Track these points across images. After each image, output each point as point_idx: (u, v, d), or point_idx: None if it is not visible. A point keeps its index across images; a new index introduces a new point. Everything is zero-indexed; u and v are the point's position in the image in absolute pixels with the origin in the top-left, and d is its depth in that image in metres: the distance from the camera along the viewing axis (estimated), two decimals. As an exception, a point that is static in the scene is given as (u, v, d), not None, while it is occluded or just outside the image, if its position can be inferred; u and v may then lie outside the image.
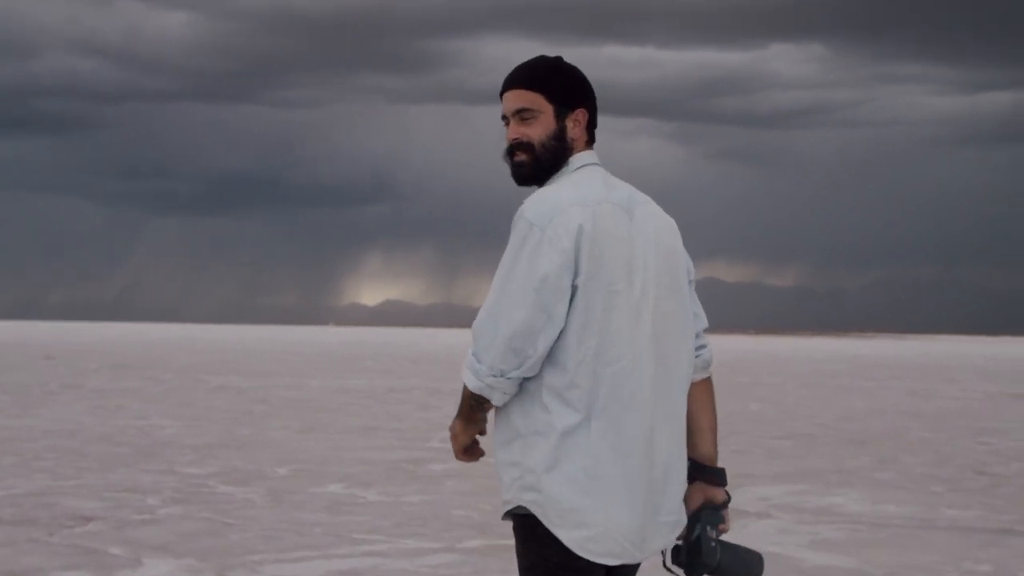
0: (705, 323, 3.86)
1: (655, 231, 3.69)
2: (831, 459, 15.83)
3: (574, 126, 3.73)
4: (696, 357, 3.80)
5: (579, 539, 3.56)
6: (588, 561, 3.57)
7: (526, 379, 3.61)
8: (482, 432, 3.80)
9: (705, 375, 3.86)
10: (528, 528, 3.62)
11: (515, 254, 3.56)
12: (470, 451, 3.79)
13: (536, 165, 3.72)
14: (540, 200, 3.60)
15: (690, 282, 3.82)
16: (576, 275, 3.54)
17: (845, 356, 72.18)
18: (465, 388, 3.67)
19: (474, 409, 3.69)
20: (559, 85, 3.73)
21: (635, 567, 3.77)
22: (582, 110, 3.75)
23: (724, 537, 3.81)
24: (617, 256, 3.59)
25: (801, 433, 19.38)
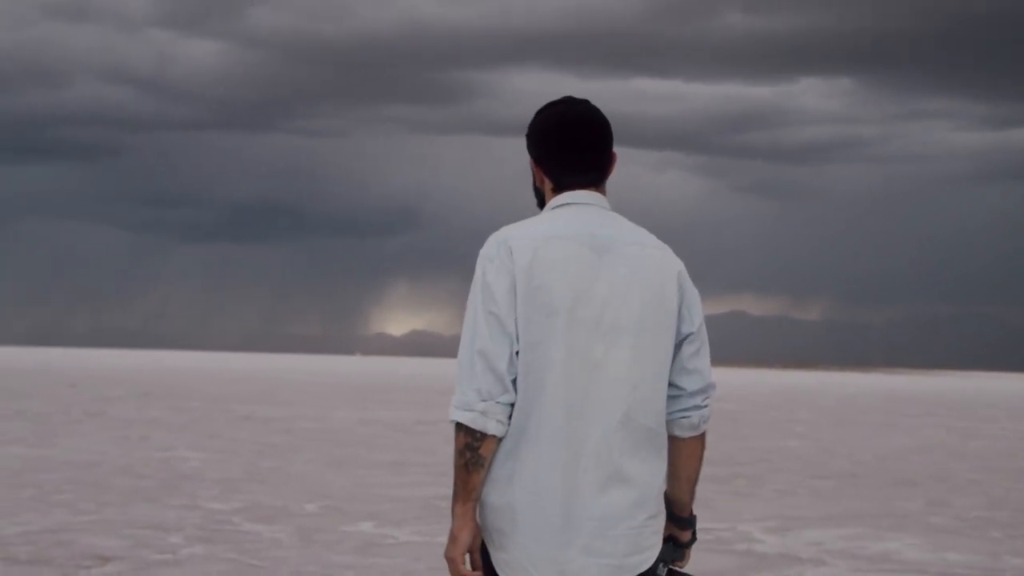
0: (704, 382, 3.72)
1: (628, 274, 3.62)
2: (880, 501, 15.21)
3: (536, 174, 3.80)
4: (683, 417, 3.70)
5: (500, 560, 3.60)
6: None
7: None
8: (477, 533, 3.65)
9: (692, 434, 3.73)
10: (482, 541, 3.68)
11: (474, 287, 3.62)
12: (470, 568, 3.66)
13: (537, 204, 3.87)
14: (494, 236, 3.66)
15: (690, 335, 3.69)
16: (516, 302, 3.56)
17: (876, 391, 71.36)
18: (457, 440, 3.57)
19: (470, 465, 3.56)
20: (527, 136, 3.82)
21: None
22: (532, 159, 3.80)
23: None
24: (558, 292, 3.56)
25: (844, 472, 18.75)
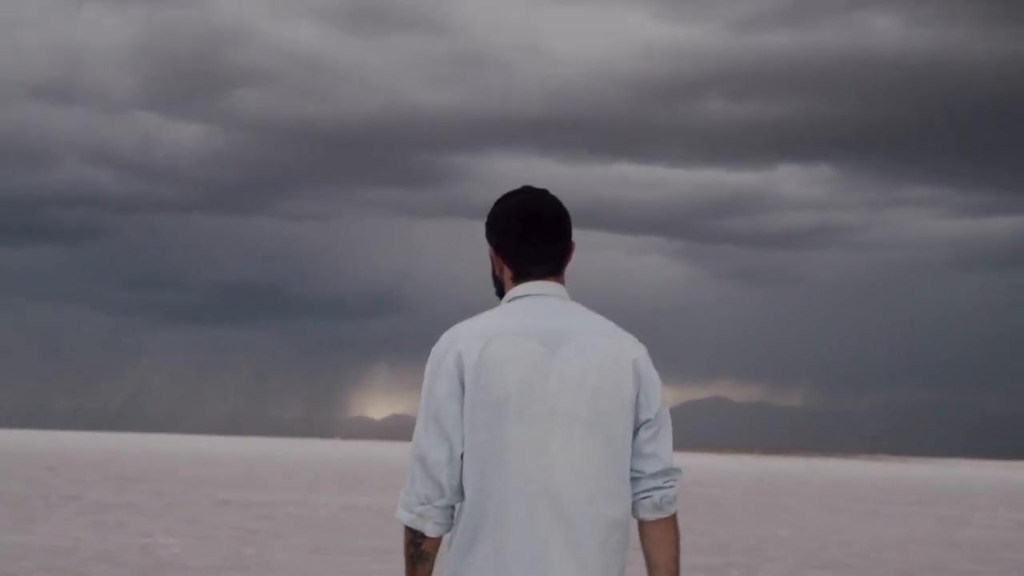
0: (663, 465, 3.69)
1: (582, 365, 3.61)
2: (880, 593, 14.81)
3: (495, 262, 3.83)
4: (645, 497, 3.68)
5: None
6: None
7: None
8: None
9: (657, 515, 3.69)
10: None
11: (423, 389, 3.65)
12: None
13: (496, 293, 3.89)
14: (444, 335, 3.69)
15: (647, 421, 3.67)
16: (462, 403, 3.57)
17: (860, 479, 70.87)
18: (404, 536, 3.67)
19: (414, 559, 3.65)
20: (486, 225, 3.85)
21: None
22: (491, 248, 3.82)
23: None
24: (508, 389, 3.56)
25: (839, 563, 18.33)
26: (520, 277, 3.77)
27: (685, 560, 17.77)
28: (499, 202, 3.84)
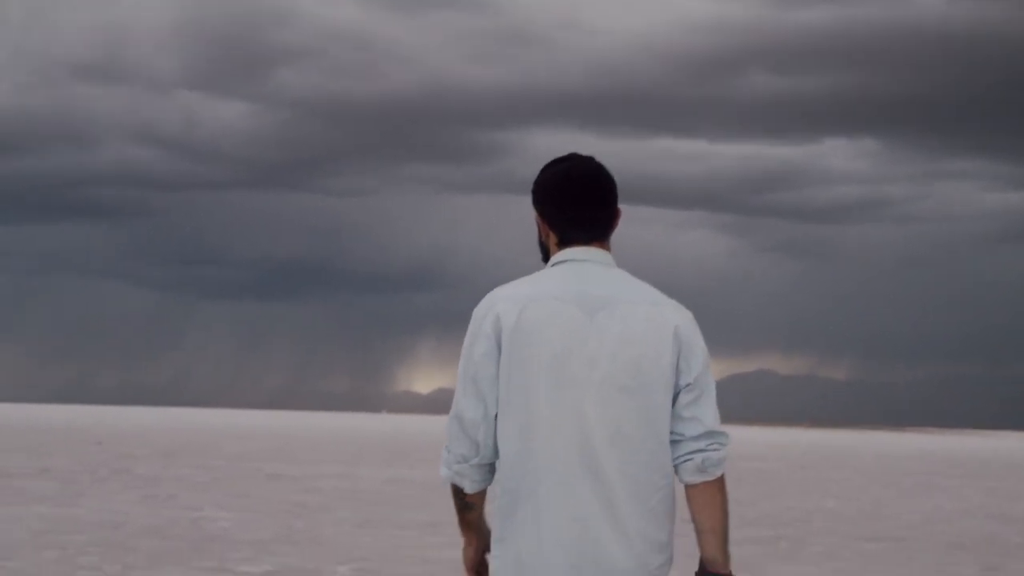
0: (704, 428, 3.68)
1: (619, 332, 3.64)
2: (932, 567, 14.66)
3: (541, 228, 3.87)
4: (686, 460, 3.67)
5: None
6: None
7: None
8: (487, 549, 3.82)
9: (701, 478, 3.68)
10: None
11: (463, 348, 3.72)
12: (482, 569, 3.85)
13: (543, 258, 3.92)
14: (486, 297, 3.75)
15: (687, 385, 3.68)
16: (498, 365, 3.64)
17: (907, 451, 70.50)
18: (451, 488, 3.77)
19: (460, 510, 3.80)
20: (532, 192, 3.88)
21: None
22: (538, 214, 3.86)
23: None
24: (545, 351, 3.62)
25: (891, 536, 18.18)
26: (564, 243, 3.80)
27: (734, 533, 17.59)
28: (546, 168, 3.88)
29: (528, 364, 3.62)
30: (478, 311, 3.73)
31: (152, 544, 14.55)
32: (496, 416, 3.66)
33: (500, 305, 3.68)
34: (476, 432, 3.66)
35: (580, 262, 3.76)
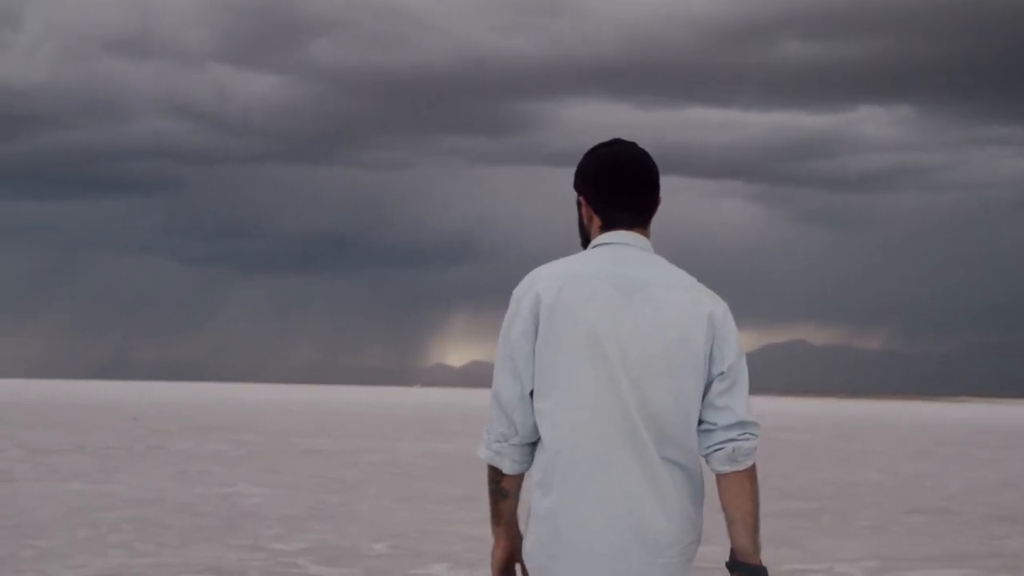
0: (736, 418, 3.69)
1: (654, 315, 3.66)
2: (980, 540, 14.34)
3: (584, 211, 3.87)
4: (717, 450, 3.68)
5: None
6: None
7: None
8: (517, 553, 3.82)
9: (732, 468, 3.69)
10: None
11: (502, 327, 3.74)
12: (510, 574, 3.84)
13: (581, 241, 3.94)
14: (527, 276, 3.78)
15: (720, 374, 3.69)
16: (535, 343, 3.66)
17: (944, 422, 70.02)
18: (487, 473, 3.78)
19: (494, 497, 3.78)
20: (575, 173, 3.91)
21: None
22: (581, 197, 3.87)
23: None
24: (581, 330, 3.63)
25: (935, 508, 17.86)
26: (608, 227, 3.82)
27: (777, 506, 17.38)
28: (591, 152, 3.89)
29: (565, 342, 3.64)
30: (518, 291, 3.75)
31: (185, 521, 14.36)
32: (532, 394, 3.67)
33: (540, 284, 3.71)
34: (513, 411, 3.68)
35: (620, 245, 3.80)
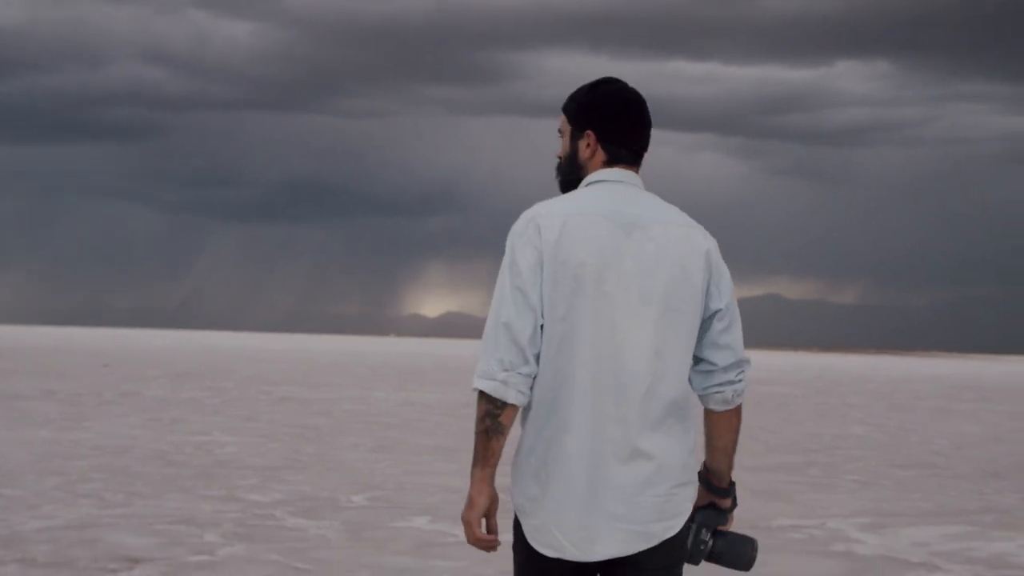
0: (736, 357, 3.82)
1: (655, 251, 3.73)
2: (972, 495, 14.04)
3: (585, 147, 3.88)
4: (717, 392, 3.81)
5: (529, 528, 3.73)
6: (539, 552, 3.73)
7: None
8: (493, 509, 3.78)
9: (726, 408, 3.84)
10: (516, 519, 3.82)
11: (503, 262, 3.76)
12: (486, 532, 3.78)
13: (560, 181, 3.97)
14: (524, 214, 3.80)
15: (719, 311, 3.79)
16: (542, 276, 3.70)
17: (921, 376, 69.93)
18: (479, 408, 3.71)
19: (489, 431, 3.69)
20: (573, 109, 3.90)
21: (641, 570, 3.78)
22: (589, 132, 3.87)
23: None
24: (585, 266, 3.70)
25: (923, 462, 17.56)
26: (613, 162, 3.88)
27: (764, 460, 17.06)
28: (595, 87, 3.92)
29: (569, 276, 3.69)
30: (517, 226, 3.77)
31: (157, 470, 13.97)
32: (542, 327, 3.71)
33: (541, 219, 3.74)
34: (526, 341, 3.68)
35: (616, 183, 3.85)
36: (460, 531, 10.48)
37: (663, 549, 3.77)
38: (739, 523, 11.55)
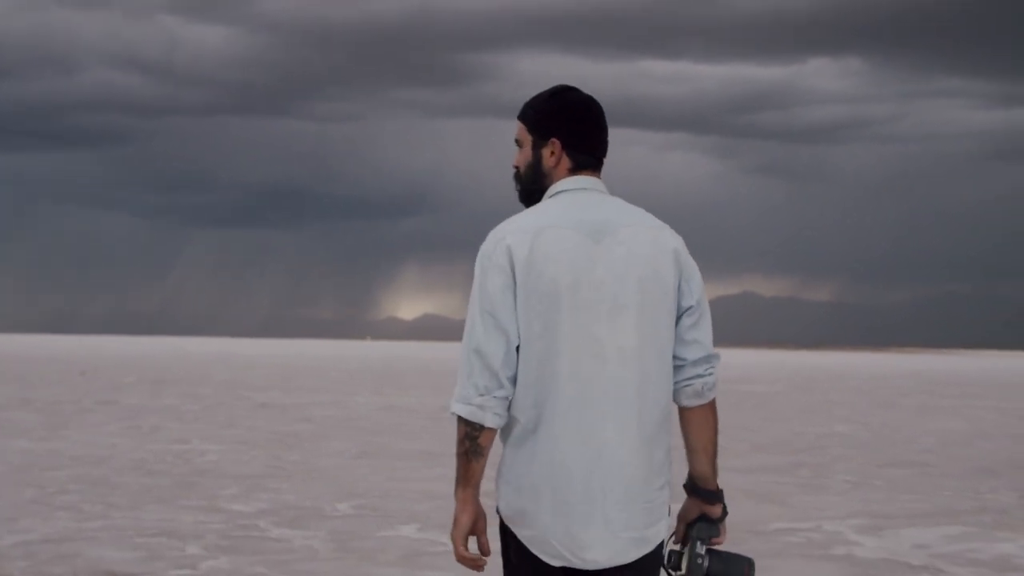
0: (705, 352, 3.82)
1: (625, 255, 3.73)
2: (967, 494, 13.83)
3: (549, 156, 3.87)
4: (686, 385, 3.81)
5: (526, 537, 3.71)
6: (539, 559, 3.72)
7: None
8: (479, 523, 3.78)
9: (698, 402, 3.83)
10: (503, 525, 3.79)
11: (473, 285, 3.76)
12: (478, 550, 3.79)
13: (521, 191, 3.94)
14: (491, 233, 3.78)
15: (689, 308, 3.80)
16: (515, 296, 3.69)
17: (900, 372, 69.91)
18: (458, 431, 3.73)
19: (469, 454, 3.71)
20: (533, 117, 3.88)
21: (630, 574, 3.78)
22: (554, 140, 3.85)
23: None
24: (558, 280, 3.68)
25: (913, 461, 17.35)
26: (577, 169, 3.86)
27: (751, 460, 16.84)
28: (555, 95, 3.89)
29: (543, 292, 3.67)
30: (486, 247, 3.76)
31: (136, 481, 13.67)
32: (518, 348, 3.69)
33: (510, 238, 3.72)
34: (499, 365, 3.67)
35: (580, 191, 3.84)
36: (449, 541, 10.23)
37: (655, 554, 3.81)
38: (733, 527, 11.32)
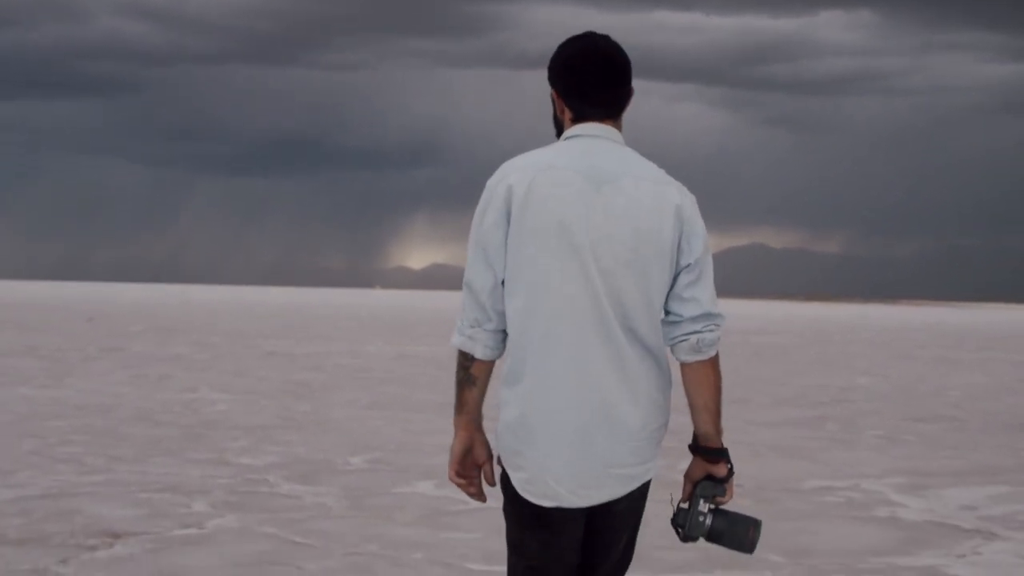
0: (702, 309, 3.78)
1: (624, 205, 3.73)
2: (1004, 451, 13.30)
3: (556, 105, 3.92)
4: (682, 340, 3.79)
5: (519, 480, 3.74)
6: (534, 504, 3.73)
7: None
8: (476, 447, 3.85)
9: (696, 358, 3.80)
10: (503, 473, 3.81)
11: (474, 218, 3.80)
12: (465, 468, 3.87)
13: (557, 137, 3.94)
14: (500, 168, 3.82)
15: (688, 265, 3.78)
16: (507, 233, 3.73)
17: (913, 324, 69.23)
18: (456, 362, 3.82)
19: (461, 385, 3.80)
20: (549, 68, 3.91)
21: (614, 513, 3.82)
22: (554, 91, 3.90)
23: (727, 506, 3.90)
24: (554, 219, 3.70)
25: (942, 415, 16.82)
26: (579, 119, 3.86)
27: (776, 414, 16.30)
28: (564, 45, 3.91)
29: (536, 232, 3.69)
30: (491, 181, 3.79)
31: (142, 431, 13.16)
32: (504, 283, 3.74)
33: (512, 175, 3.75)
34: (486, 298, 3.74)
35: (591, 137, 3.83)
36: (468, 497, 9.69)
37: (641, 491, 3.84)
38: (765, 484, 10.83)
